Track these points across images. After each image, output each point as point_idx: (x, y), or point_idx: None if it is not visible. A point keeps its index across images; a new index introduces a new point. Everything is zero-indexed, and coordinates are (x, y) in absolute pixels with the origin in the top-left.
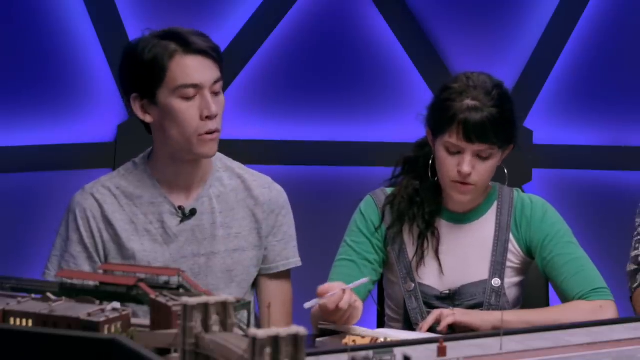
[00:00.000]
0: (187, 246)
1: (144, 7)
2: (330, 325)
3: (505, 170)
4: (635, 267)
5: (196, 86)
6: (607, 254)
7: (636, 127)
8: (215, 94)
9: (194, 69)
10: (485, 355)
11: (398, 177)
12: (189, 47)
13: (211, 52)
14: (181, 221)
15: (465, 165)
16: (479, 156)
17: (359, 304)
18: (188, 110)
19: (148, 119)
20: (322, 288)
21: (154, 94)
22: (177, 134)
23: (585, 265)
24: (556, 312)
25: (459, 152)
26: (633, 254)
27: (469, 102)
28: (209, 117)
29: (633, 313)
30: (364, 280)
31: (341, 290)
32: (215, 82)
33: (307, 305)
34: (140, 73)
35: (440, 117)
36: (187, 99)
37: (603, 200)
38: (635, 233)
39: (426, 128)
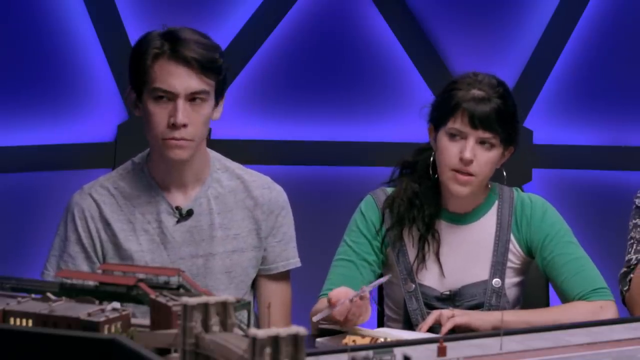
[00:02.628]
0: (184, 247)
1: (144, 7)
2: (330, 325)
3: (505, 173)
4: (626, 269)
5: (169, 93)
6: (607, 253)
7: (636, 127)
8: (195, 104)
9: (172, 76)
10: (485, 355)
11: (395, 180)
12: (175, 54)
13: (197, 64)
14: (177, 221)
15: (467, 151)
16: (482, 145)
17: (369, 307)
18: (158, 114)
19: (137, 112)
20: (333, 295)
21: (141, 91)
22: (148, 133)
23: (585, 265)
24: (556, 313)
25: (462, 139)
26: (626, 257)
27: (475, 91)
28: (174, 125)
29: (628, 315)
30: (383, 279)
31: (348, 301)
32: (195, 92)
33: (316, 318)
34: (133, 66)
35: (445, 106)
36: (159, 102)
37: (603, 200)
38: (628, 237)
39: (428, 124)
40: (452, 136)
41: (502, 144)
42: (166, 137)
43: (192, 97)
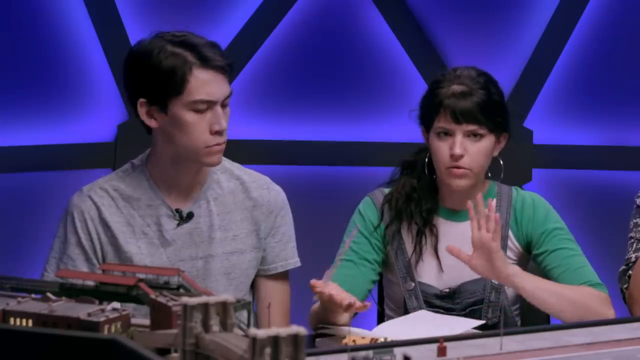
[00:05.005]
0: (184, 249)
1: (144, 7)
2: (329, 330)
3: (502, 162)
4: (625, 267)
5: (210, 102)
6: (607, 253)
7: (636, 127)
8: (224, 107)
9: (209, 84)
10: (485, 355)
11: (396, 181)
12: (206, 62)
13: (227, 68)
14: (178, 224)
15: (456, 147)
16: (470, 137)
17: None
18: (199, 124)
19: (153, 124)
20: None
21: (166, 103)
22: (184, 144)
23: (586, 263)
24: (568, 286)
25: (449, 135)
26: (626, 256)
27: (455, 87)
28: (218, 132)
29: (629, 313)
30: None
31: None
32: (227, 97)
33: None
34: (154, 80)
35: (430, 106)
36: (199, 112)
37: (603, 200)
38: (629, 236)
39: (420, 127)
40: (441, 135)
41: (492, 132)
42: (210, 144)
43: (224, 101)
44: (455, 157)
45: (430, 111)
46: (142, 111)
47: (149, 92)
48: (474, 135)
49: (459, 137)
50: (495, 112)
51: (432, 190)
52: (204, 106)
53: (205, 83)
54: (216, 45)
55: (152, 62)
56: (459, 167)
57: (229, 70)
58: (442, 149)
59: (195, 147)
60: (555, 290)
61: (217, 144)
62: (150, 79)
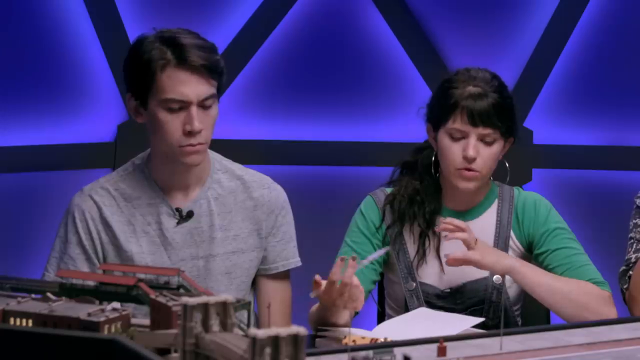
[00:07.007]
0: (185, 249)
1: (144, 7)
2: (329, 333)
3: (507, 164)
4: (625, 267)
5: (182, 102)
6: (607, 254)
7: (636, 127)
8: (205, 108)
9: (183, 84)
10: (485, 355)
11: (395, 181)
12: (183, 61)
13: (205, 70)
14: (178, 223)
15: (470, 149)
16: (483, 141)
17: (361, 287)
18: (171, 123)
19: (139, 119)
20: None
21: (146, 99)
22: (160, 141)
23: (587, 261)
24: (570, 282)
25: (463, 137)
26: (626, 257)
27: (471, 88)
28: (190, 133)
29: (629, 313)
30: (382, 252)
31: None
32: (206, 98)
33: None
34: (135, 75)
35: (443, 105)
36: (172, 111)
37: (603, 200)
38: (629, 237)
39: (427, 124)
40: (454, 136)
41: (502, 137)
42: (183, 144)
43: (203, 102)
44: (469, 159)
45: (443, 110)
46: (129, 106)
47: (133, 86)
48: (487, 138)
49: (473, 140)
50: (507, 115)
51: (436, 190)
52: (176, 105)
53: (180, 83)
54: (204, 47)
55: (135, 56)
56: (470, 169)
57: (210, 72)
58: (454, 149)
59: (170, 145)
60: (550, 284)
61: (190, 145)
62: (133, 73)
